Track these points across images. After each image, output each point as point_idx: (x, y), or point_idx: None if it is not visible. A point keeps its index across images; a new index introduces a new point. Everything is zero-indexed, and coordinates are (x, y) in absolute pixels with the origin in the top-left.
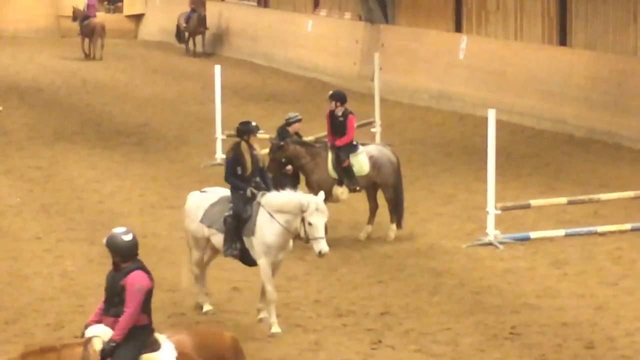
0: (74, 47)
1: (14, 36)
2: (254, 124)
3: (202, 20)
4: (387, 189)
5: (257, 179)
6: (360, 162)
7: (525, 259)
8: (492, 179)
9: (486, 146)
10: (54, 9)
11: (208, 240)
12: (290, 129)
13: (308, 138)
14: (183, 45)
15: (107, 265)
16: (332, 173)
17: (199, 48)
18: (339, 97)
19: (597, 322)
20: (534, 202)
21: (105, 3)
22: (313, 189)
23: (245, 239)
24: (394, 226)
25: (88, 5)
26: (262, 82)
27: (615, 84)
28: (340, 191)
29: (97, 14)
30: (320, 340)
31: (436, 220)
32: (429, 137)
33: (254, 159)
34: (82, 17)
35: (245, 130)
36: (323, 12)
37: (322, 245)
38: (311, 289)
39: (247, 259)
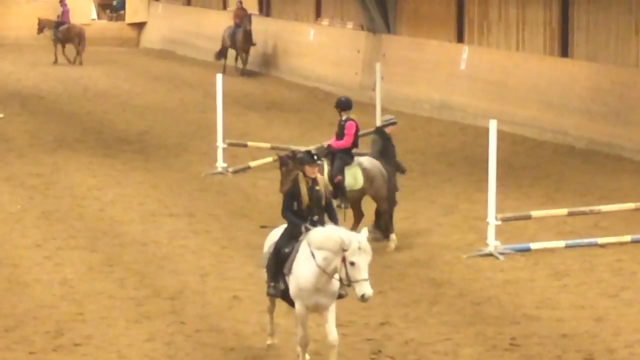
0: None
1: (16, 43)
2: (313, 153)
3: (248, 36)
4: (381, 201)
5: (316, 217)
6: (355, 175)
7: (526, 270)
8: (493, 189)
9: (487, 157)
10: (56, 16)
11: None
12: (387, 130)
13: (311, 147)
14: (223, 62)
15: (107, 273)
16: (328, 185)
17: (240, 64)
18: (340, 104)
19: (597, 333)
20: (534, 213)
21: (108, 11)
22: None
23: (287, 277)
24: (393, 236)
25: (63, 12)
26: (263, 91)
27: (616, 96)
28: (336, 204)
29: (100, 22)
30: (320, 350)
31: (437, 230)
32: (430, 147)
33: (314, 193)
34: (56, 24)
35: (299, 161)
36: (325, 22)
37: (365, 289)
38: None
39: (290, 300)
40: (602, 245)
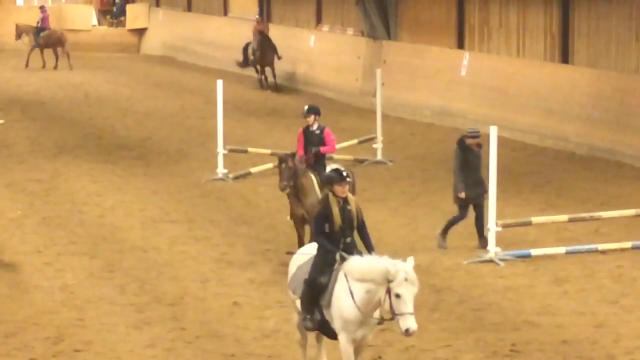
0: (77, 60)
1: (16, 49)
2: (342, 170)
3: (273, 48)
4: None
5: (349, 239)
6: None
7: (526, 276)
8: (494, 196)
9: (487, 163)
10: (57, 22)
11: None
12: (467, 142)
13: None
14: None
15: (107, 279)
16: (319, 194)
17: (271, 78)
18: (317, 110)
19: (597, 340)
20: (535, 220)
21: (108, 17)
22: (308, 212)
23: (324, 309)
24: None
25: (43, 18)
26: (264, 97)
27: (617, 102)
28: None
29: (100, 28)
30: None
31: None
32: (431, 154)
33: (345, 213)
34: (37, 30)
35: (327, 180)
36: (325, 28)
37: (409, 323)
38: None
39: (328, 331)
40: (603, 252)
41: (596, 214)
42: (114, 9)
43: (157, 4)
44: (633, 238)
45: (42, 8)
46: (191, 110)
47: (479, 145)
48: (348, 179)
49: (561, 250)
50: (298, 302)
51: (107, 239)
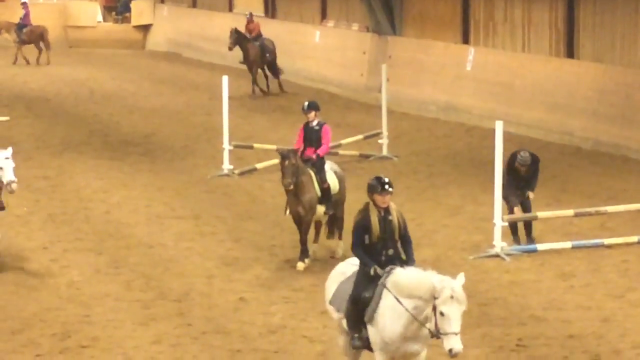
0: (82, 57)
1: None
2: (384, 180)
3: (263, 48)
4: (341, 205)
5: (391, 251)
6: (332, 181)
7: (532, 271)
8: (499, 190)
9: (493, 158)
10: (62, 19)
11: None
12: (517, 166)
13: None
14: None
15: (113, 275)
16: (318, 191)
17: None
18: (317, 107)
19: (603, 334)
20: (540, 214)
21: (113, 14)
22: (305, 208)
23: (367, 325)
24: (342, 243)
25: (25, 15)
26: (268, 93)
27: (622, 97)
28: (324, 211)
29: (105, 24)
30: (327, 351)
31: (443, 231)
32: (436, 149)
33: (387, 224)
34: (19, 26)
35: (368, 188)
36: (330, 24)
37: (453, 343)
38: (318, 300)
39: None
40: (609, 246)
41: (602, 209)
42: (119, 5)
43: (162, 0)
44: (639, 232)
45: (23, 4)
46: (196, 106)
47: (527, 171)
48: (389, 189)
49: (567, 244)
50: (344, 321)
51: (113, 235)
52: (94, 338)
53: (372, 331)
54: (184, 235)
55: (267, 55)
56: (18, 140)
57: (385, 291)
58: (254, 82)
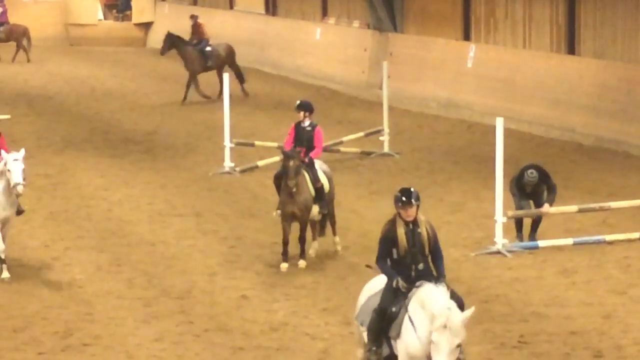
0: (83, 55)
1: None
2: (410, 192)
3: (205, 53)
4: (331, 203)
5: (421, 265)
6: (323, 180)
7: (534, 268)
8: (501, 187)
9: (494, 154)
10: (63, 17)
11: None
12: (524, 183)
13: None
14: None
15: (115, 273)
16: (312, 191)
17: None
18: (307, 107)
19: (605, 330)
20: (544, 210)
21: (114, 11)
22: (301, 209)
23: (392, 342)
24: (337, 238)
25: (2, 12)
26: (270, 90)
27: (623, 93)
28: (317, 211)
29: (106, 22)
30: (329, 348)
31: (444, 228)
32: (437, 146)
33: (415, 237)
34: None
35: (394, 201)
36: (331, 20)
37: None
38: (319, 297)
39: None
40: (610, 243)
41: (605, 204)
42: (119, 3)
43: None
44: None
45: (0, 2)
46: (198, 104)
47: (535, 188)
48: (413, 202)
49: (569, 241)
50: (365, 335)
51: (115, 233)
52: (96, 336)
53: (399, 346)
54: (185, 232)
55: (209, 62)
56: (19, 138)
57: (412, 305)
58: (188, 86)
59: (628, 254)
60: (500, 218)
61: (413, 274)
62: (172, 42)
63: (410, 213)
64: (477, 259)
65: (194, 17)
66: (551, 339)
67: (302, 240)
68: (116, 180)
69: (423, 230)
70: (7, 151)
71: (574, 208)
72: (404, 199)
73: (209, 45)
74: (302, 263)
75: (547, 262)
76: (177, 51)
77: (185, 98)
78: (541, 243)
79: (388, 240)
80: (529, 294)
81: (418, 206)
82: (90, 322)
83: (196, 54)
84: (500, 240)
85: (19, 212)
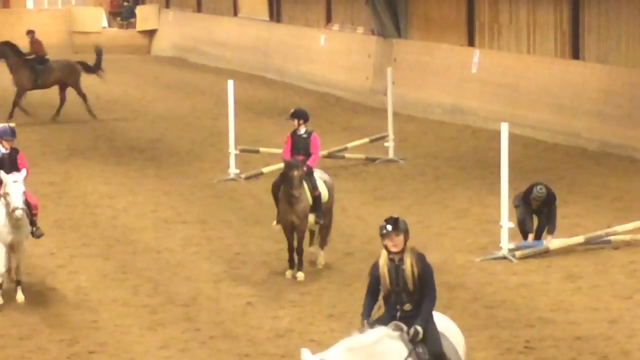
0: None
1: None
2: (394, 219)
3: (36, 71)
4: (329, 214)
5: (407, 306)
6: (321, 189)
7: (539, 273)
8: (506, 192)
9: (499, 160)
10: (67, 25)
11: None
12: (532, 199)
13: (321, 152)
14: None
15: (121, 280)
16: (310, 200)
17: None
18: (302, 115)
19: (611, 335)
20: (551, 245)
21: (118, 19)
22: (299, 217)
23: None
24: (323, 253)
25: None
26: (274, 97)
27: (628, 97)
28: (314, 220)
29: (110, 29)
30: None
31: (450, 234)
32: (442, 151)
33: (399, 274)
34: None
35: (379, 230)
36: (335, 27)
37: None
38: (325, 303)
39: None
40: (616, 247)
41: (611, 230)
42: (123, 10)
43: (167, 5)
44: None
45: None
46: (202, 110)
47: (541, 206)
48: (390, 230)
49: (579, 239)
50: None
51: (120, 240)
52: (102, 343)
53: None
54: (190, 239)
55: (39, 79)
56: (24, 145)
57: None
58: (15, 104)
59: (634, 259)
60: (505, 223)
61: (398, 314)
62: (2, 51)
63: (395, 243)
64: (482, 265)
65: (30, 33)
66: (557, 344)
67: (299, 251)
68: (121, 188)
69: (407, 266)
70: (27, 169)
71: (579, 239)
72: (387, 227)
73: (45, 62)
74: (300, 275)
75: (552, 267)
76: (5, 63)
77: (10, 116)
78: (548, 244)
79: (372, 276)
80: (535, 300)
81: (406, 236)
82: (96, 329)
83: (25, 69)
84: (506, 246)
85: (38, 235)
